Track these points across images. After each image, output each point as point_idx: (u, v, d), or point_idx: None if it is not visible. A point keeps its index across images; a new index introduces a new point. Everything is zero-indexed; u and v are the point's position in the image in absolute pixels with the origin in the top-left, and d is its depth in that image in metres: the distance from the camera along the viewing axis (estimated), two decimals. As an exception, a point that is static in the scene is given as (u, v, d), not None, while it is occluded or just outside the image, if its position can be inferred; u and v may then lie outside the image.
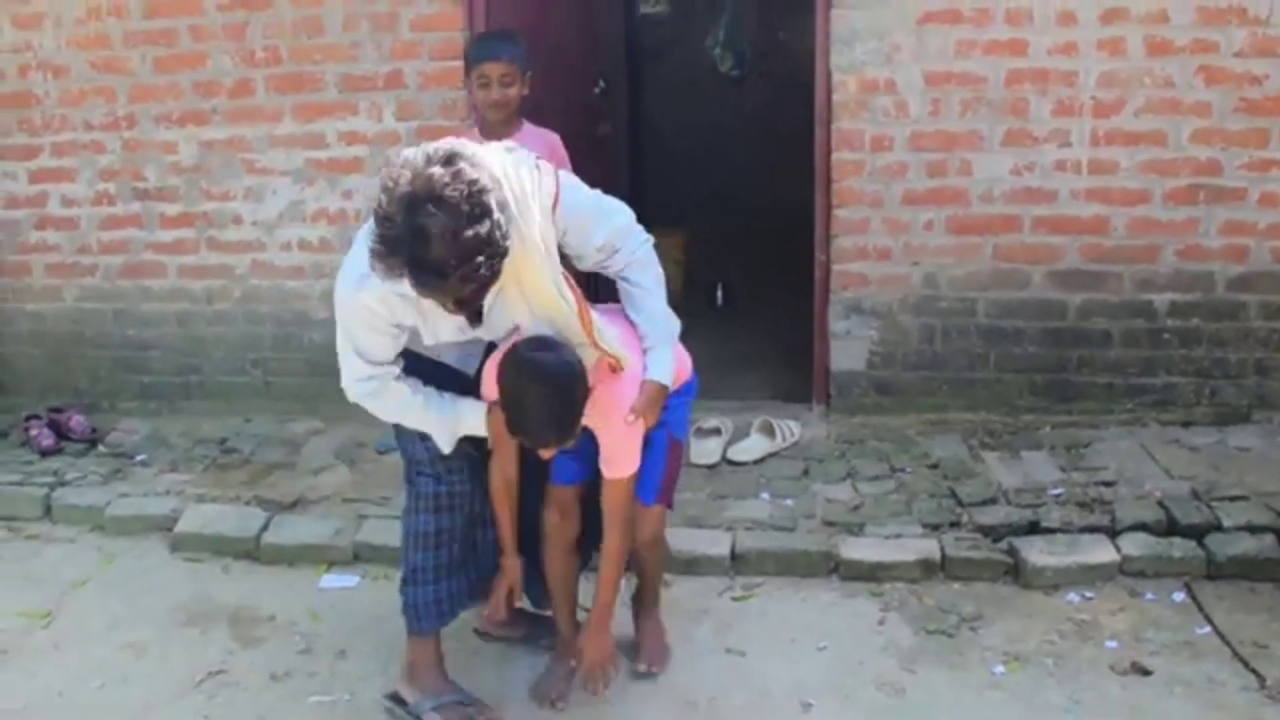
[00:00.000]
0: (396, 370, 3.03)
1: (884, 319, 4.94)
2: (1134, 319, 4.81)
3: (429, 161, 2.57)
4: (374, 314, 2.86)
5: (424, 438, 3.18)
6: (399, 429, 3.27)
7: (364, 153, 5.19)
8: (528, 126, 4.15)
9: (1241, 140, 4.62)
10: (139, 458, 5.06)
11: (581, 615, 3.41)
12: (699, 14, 8.23)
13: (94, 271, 5.59)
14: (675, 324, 3.18)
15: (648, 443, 3.17)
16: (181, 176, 5.40)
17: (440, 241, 2.52)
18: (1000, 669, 3.42)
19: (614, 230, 3.03)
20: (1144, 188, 4.70)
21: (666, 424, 3.21)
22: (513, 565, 3.29)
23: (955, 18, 4.66)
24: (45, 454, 5.09)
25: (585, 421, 2.96)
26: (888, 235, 4.87)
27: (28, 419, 5.29)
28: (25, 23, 5.39)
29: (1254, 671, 3.31)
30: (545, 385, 2.83)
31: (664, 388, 3.07)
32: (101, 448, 5.18)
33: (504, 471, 3.17)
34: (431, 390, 3.07)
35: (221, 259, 5.44)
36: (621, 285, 3.12)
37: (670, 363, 3.10)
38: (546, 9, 5.43)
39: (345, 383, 3.06)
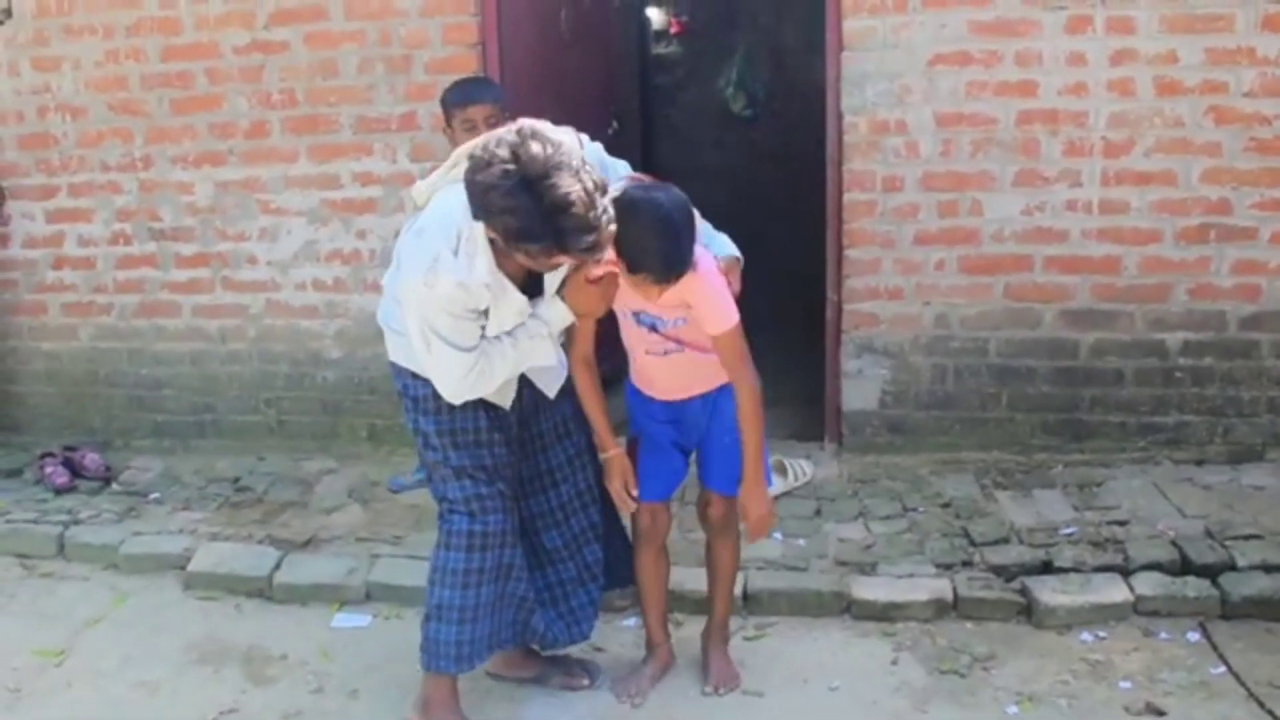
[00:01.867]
0: (483, 344, 3.02)
1: (896, 358, 4.95)
2: (1146, 358, 4.81)
3: (521, 142, 2.69)
4: (453, 300, 2.88)
5: (458, 476, 3.20)
6: (430, 470, 3.29)
7: (378, 193, 5.23)
8: None
9: (1252, 179, 4.63)
10: (152, 496, 5.07)
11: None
12: (712, 55, 8.29)
13: (109, 311, 5.64)
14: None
15: (724, 446, 3.35)
16: (197, 217, 5.44)
17: (580, 201, 2.68)
18: (1013, 709, 3.41)
19: (625, 169, 3.23)
20: (1155, 227, 4.71)
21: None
22: (618, 455, 3.37)
23: (965, 59, 4.69)
24: (59, 492, 5.10)
25: (677, 296, 3.08)
26: (899, 275, 4.89)
27: (42, 457, 5.32)
28: (44, 65, 5.46)
29: (1270, 713, 3.29)
30: (663, 220, 2.95)
31: (738, 258, 3.33)
32: (115, 486, 5.20)
33: (582, 350, 3.31)
34: (512, 328, 3.08)
35: (236, 298, 5.48)
36: None
37: (728, 241, 3.31)
38: (560, 50, 5.48)
39: (450, 388, 3.04)
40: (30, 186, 5.60)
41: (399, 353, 3.24)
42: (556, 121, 2.92)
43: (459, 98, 4.19)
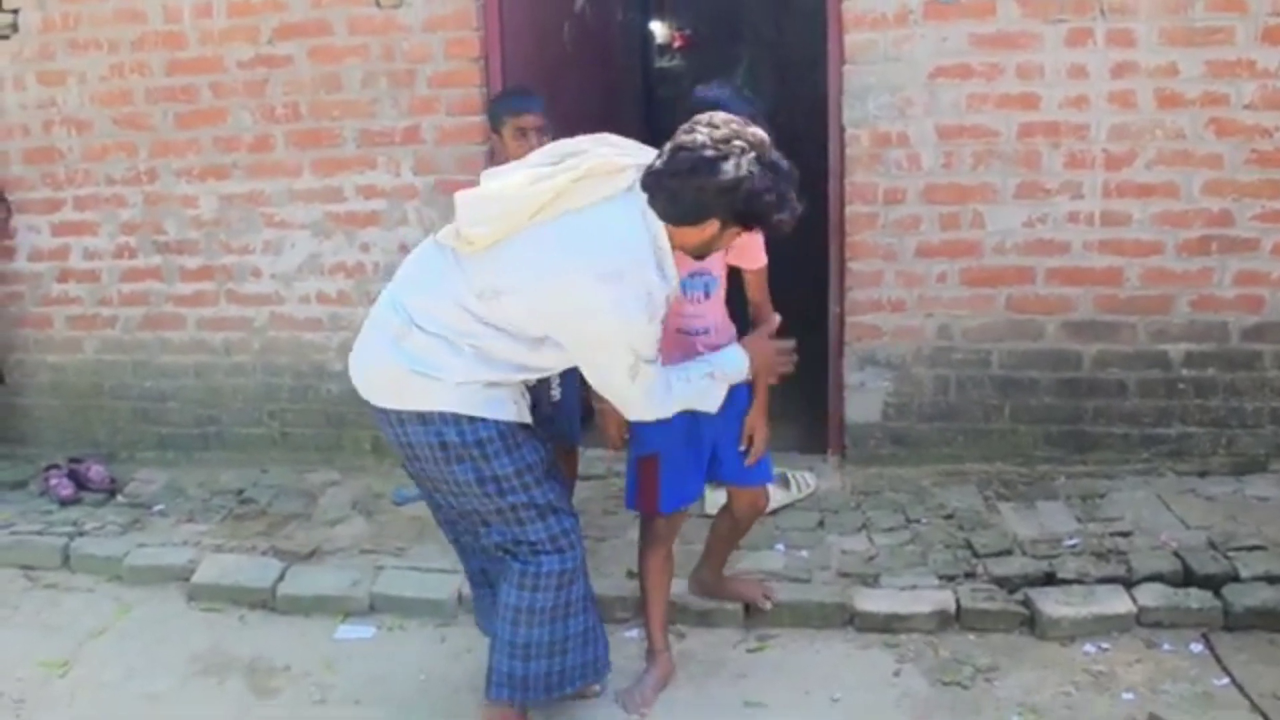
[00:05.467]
0: (662, 370, 3.07)
1: (899, 370, 4.96)
2: (1149, 369, 4.82)
3: (740, 131, 2.83)
4: (660, 319, 2.95)
5: (543, 514, 3.10)
6: (497, 517, 3.13)
7: (382, 206, 5.24)
8: None
9: (1254, 191, 4.64)
10: (157, 508, 5.08)
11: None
12: (715, 68, 8.30)
13: (114, 323, 5.65)
14: None
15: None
16: (201, 230, 5.46)
17: (787, 161, 2.91)
18: (1016, 720, 3.41)
19: None
20: (1157, 239, 4.72)
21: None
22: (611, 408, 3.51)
23: (967, 72, 4.70)
24: (64, 504, 5.11)
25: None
26: (902, 287, 4.90)
27: (47, 469, 5.32)
28: (50, 79, 5.48)
29: (1273, 724, 3.29)
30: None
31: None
32: (120, 498, 5.21)
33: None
34: (684, 363, 3.17)
35: (240, 311, 5.50)
36: None
37: None
38: (563, 64, 5.50)
39: (650, 408, 3.07)
40: (36, 200, 5.62)
41: (443, 399, 3.04)
42: (555, 135, 2.96)
43: (516, 105, 4.19)
